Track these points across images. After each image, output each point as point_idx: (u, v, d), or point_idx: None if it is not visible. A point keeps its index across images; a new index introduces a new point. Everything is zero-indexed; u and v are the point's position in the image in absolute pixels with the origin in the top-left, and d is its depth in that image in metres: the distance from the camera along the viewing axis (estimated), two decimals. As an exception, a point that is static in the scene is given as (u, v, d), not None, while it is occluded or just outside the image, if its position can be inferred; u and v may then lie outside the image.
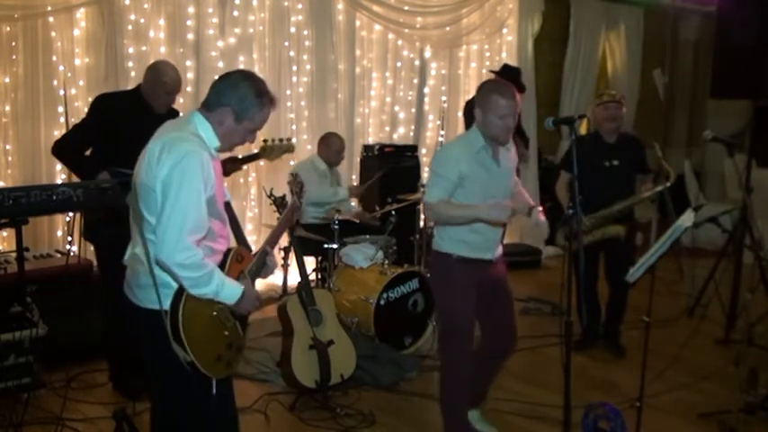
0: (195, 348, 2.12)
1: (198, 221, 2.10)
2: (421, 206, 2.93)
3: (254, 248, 2.51)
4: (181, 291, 2.12)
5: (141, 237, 2.15)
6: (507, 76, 5.55)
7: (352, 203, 5.47)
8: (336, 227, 4.56)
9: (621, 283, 3.91)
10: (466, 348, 3.10)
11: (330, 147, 5.06)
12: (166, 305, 2.13)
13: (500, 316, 3.22)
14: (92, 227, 3.60)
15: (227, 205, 2.36)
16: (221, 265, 2.25)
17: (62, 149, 3.61)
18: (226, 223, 2.34)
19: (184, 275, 2.08)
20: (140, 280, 2.20)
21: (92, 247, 4.36)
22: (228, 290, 2.19)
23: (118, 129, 3.49)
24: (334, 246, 4.57)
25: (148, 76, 3.59)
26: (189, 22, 5.08)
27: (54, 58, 4.56)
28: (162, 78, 3.55)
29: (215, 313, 2.21)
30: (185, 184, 2.07)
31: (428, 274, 4.59)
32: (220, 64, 5.20)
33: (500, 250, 3.18)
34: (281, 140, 3.96)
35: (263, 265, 2.45)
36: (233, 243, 2.41)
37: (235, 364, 2.33)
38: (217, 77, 2.31)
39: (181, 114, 3.92)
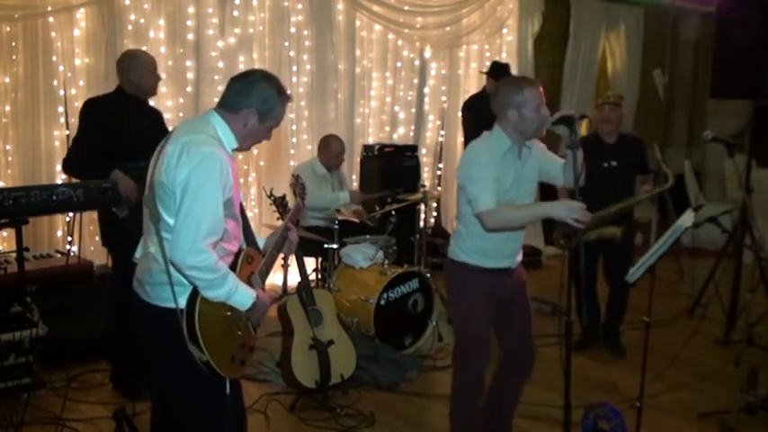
0: (210, 348, 2.13)
1: (214, 225, 2.10)
2: (475, 214, 2.75)
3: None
4: (196, 291, 2.13)
5: (158, 236, 2.15)
6: (498, 73, 5.55)
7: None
8: (337, 227, 4.56)
9: (621, 282, 3.90)
10: (480, 365, 2.92)
11: (329, 150, 5.04)
12: (181, 303, 2.13)
13: (517, 330, 3.03)
14: (110, 236, 3.64)
15: (240, 206, 2.36)
16: (232, 267, 2.26)
17: (72, 165, 3.62)
18: (240, 225, 2.34)
19: (197, 277, 2.09)
20: (154, 278, 2.19)
21: (93, 248, 4.38)
22: (241, 295, 2.19)
23: (115, 128, 3.49)
24: (335, 246, 4.58)
25: (131, 67, 3.60)
26: (189, 22, 5.07)
27: (54, 58, 4.55)
28: (143, 62, 3.62)
29: (229, 313, 2.21)
30: (203, 187, 2.07)
31: (428, 275, 4.60)
32: (220, 64, 5.20)
33: (520, 257, 3.01)
34: None
35: (282, 244, 2.48)
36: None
37: (248, 363, 2.33)
38: (232, 77, 2.30)
39: (167, 117, 3.97)
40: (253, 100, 2.22)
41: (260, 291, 2.30)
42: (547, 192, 4.51)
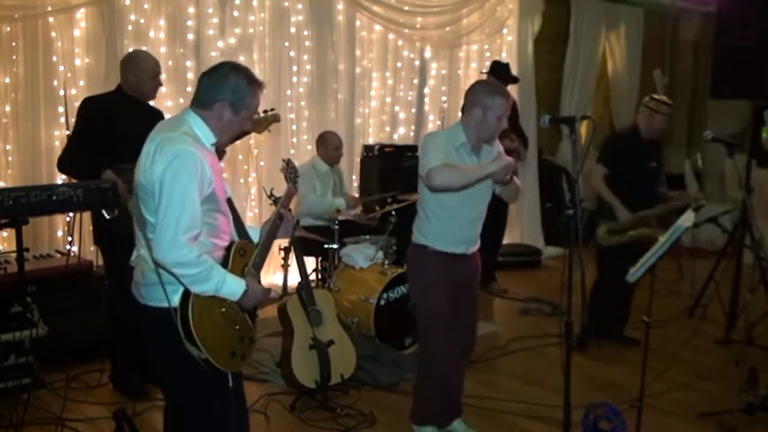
0: (208, 345, 2.14)
1: (192, 220, 2.11)
2: (424, 175, 2.95)
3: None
4: (188, 290, 2.14)
5: (145, 238, 2.18)
6: (500, 72, 5.56)
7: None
8: (337, 227, 4.56)
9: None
10: (442, 341, 3.16)
11: (327, 145, 5.04)
12: (174, 302, 2.15)
13: (465, 314, 3.26)
14: (102, 232, 3.62)
15: (229, 201, 2.37)
16: (225, 260, 2.27)
17: (66, 162, 3.62)
18: (229, 219, 2.35)
19: (182, 273, 2.10)
20: (146, 279, 2.21)
21: (92, 247, 4.37)
22: (230, 286, 2.19)
23: (110, 128, 3.48)
24: (335, 246, 4.57)
25: (131, 68, 3.59)
26: (189, 22, 5.07)
27: (54, 58, 4.55)
28: (144, 65, 3.61)
29: (224, 309, 2.22)
30: (178, 183, 2.08)
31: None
32: (220, 64, 5.19)
33: (476, 247, 3.24)
34: (265, 112, 3.97)
35: (275, 232, 2.48)
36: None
37: (249, 356, 2.35)
38: (203, 73, 2.31)
39: (168, 116, 3.96)
40: (224, 93, 2.22)
41: (252, 280, 2.29)
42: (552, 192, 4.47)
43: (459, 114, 6.06)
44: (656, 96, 4.47)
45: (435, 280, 3.13)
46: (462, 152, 3.04)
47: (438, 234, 3.12)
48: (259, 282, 2.37)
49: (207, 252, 2.17)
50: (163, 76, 3.88)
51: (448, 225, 3.11)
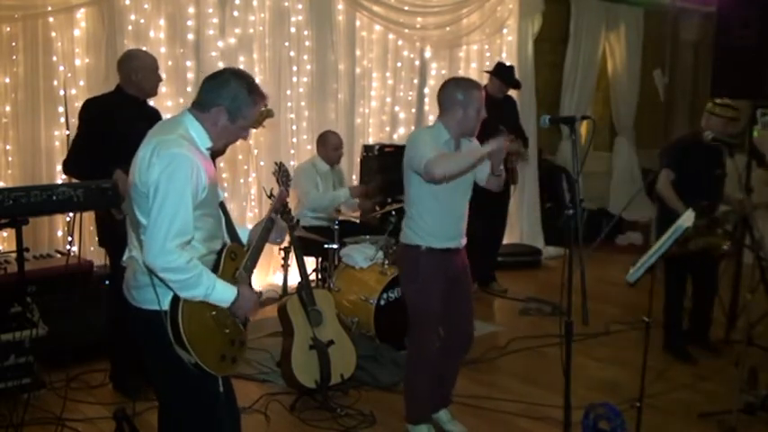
0: (198, 349, 2.13)
1: (183, 225, 2.10)
2: (422, 169, 3.00)
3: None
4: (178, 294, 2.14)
5: (138, 240, 2.17)
6: (503, 75, 5.56)
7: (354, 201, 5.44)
8: (337, 227, 4.56)
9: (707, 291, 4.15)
10: (434, 338, 3.25)
11: (327, 144, 5.04)
12: (165, 305, 2.14)
13: (460, 309, 3.31)
14: (107, 233, 3.63)
15: (221, 204, 2.36)
16: (215, 265, 2.26)
17: (71, 165, 3.62)
18: (221, 223, 2.34)
19: (170, 278, 2.09)
20: (138, 281, 2.21)
21: (93, 248, 4.38)
22: (220, 292, 2.18)
23: (110, 129, 3.48)
24: (335, 246, 4.57)
25: (132, 67, 3.59)
26: (189, 23, 5.07)
27: (54, 58, 4.55)
28: (143, 62, 3.61)
29: (214, 313, 2.21)
30: (172, 188, 2.07)
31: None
32: (220, 64, 5.19)
33: (464, 241, 3.29)
34: None
35: (267, 235, 2.48)
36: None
37: (240, 360, 2.33)
38: (206, 77, 2.31)
39: (166, 116, 3.96)
40: (222, 98, 2.21)
41: (243, 287, 2.28)
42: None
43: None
44: (718, 101, 4.38)
45: (431, 278, 3.17)
46: (446, 149, 3.11)
47: (433, 231, 3.16)
48: (250, 286, 2.36)
49: (200, 257, 2.17)
50: (163, 76, 3.88)
51: (442, 221, 3.16)
